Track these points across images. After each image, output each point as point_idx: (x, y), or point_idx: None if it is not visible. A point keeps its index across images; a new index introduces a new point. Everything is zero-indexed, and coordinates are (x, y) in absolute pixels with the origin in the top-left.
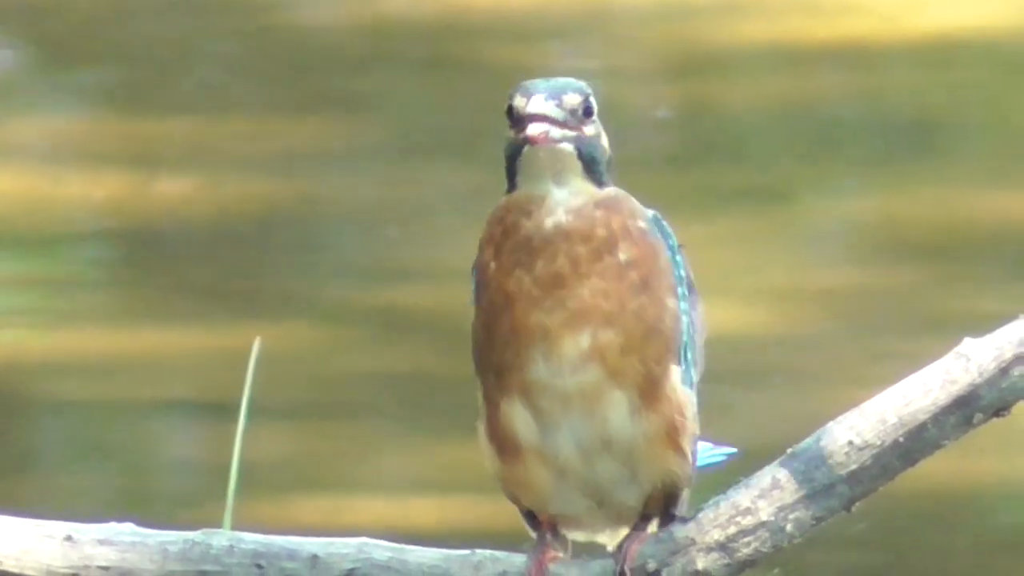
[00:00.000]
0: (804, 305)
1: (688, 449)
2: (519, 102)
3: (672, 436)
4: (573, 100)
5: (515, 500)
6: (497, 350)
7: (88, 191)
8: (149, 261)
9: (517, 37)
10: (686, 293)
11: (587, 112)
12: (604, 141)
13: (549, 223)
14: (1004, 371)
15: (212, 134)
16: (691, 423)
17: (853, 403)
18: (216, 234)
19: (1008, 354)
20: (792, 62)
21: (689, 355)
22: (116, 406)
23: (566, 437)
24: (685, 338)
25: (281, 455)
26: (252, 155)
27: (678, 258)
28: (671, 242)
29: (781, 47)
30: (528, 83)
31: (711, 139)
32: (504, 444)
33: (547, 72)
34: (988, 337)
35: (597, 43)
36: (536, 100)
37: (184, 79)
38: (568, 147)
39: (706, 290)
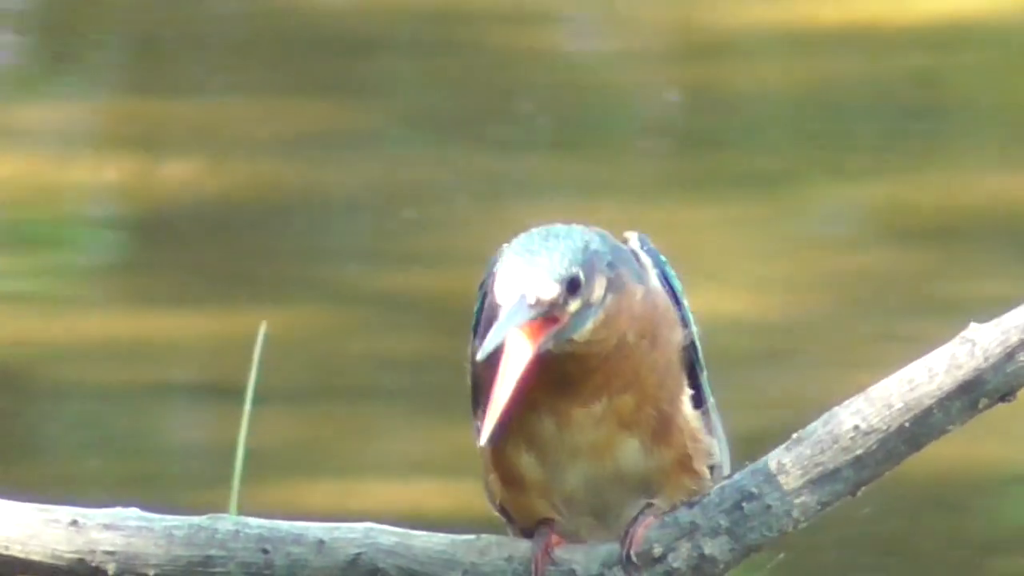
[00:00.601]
0: (810, 289)
1: (703, 469)
2: (497, 292)
3: (686, 463)
4: (552, 294)
5: (512, 520)
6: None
7: (94, 175)
8: (155, 245)
9: (524, 19)
10: (688, 305)
11: (572, 289)
12: (596, 294)
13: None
14: (1010, 356)
15: (218, 117)
16: (705, 444)
17: (859, 388)
18: (222, 217)
19: (1014, 339)
20: (800, 45)
21: (701, 359)
22: (122, 390)
23: (574, 476)
24: (692, 356)
25: (287, 439)
26: (258, 138)
27: (669, 271)
28: (660, 259)
29: (789, 30)
30: (507, 276)
31: (718, 122)
32: (508, 478)
33: (556, 57)
34: (994, 322)
35: (603, 25)
36: (505, 318)
37: (191, 62)
38: (548, 345)
39: (711, 274)
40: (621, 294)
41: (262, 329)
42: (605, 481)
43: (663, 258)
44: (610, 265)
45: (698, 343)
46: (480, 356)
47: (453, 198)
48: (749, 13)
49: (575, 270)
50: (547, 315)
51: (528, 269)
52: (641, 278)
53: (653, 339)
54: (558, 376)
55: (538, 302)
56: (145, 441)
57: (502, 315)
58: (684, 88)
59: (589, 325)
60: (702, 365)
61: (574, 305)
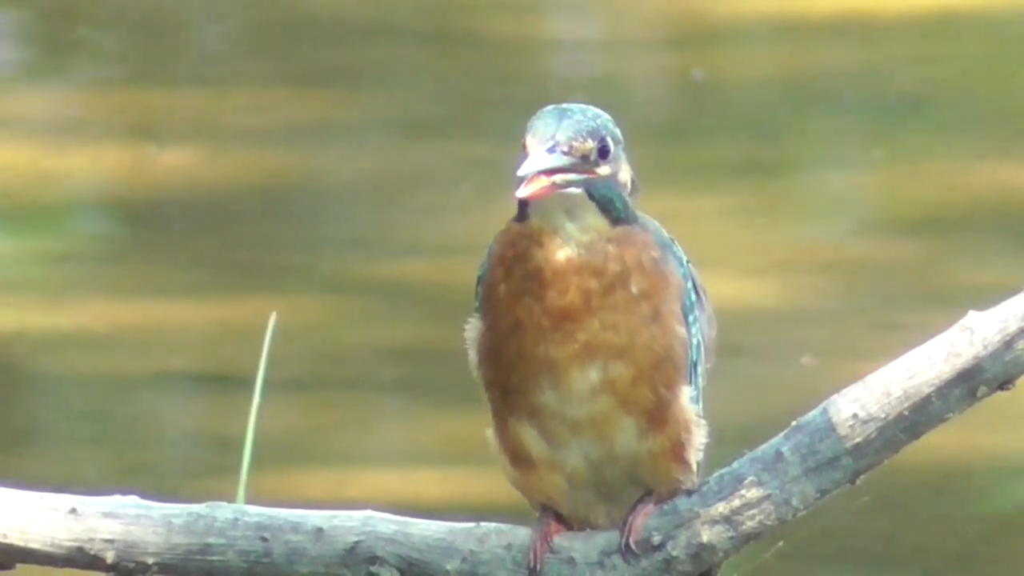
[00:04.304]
0: (808, 278)
1: (693, 460)
2: (530, 142)
3: (677, 452)
4: (585, 146)
5: (528, 497)
6: (503, 371)
7: (91, 163)
8: (152, 233)
9: (521, 9)
10: (698, 316)
11: (603, 153)
12: (623, 175)
13: (561, 256)
14: (1008, 344)
15: (216, 106)
16: (696, 436)
17: (858, 376)
18: (219, 206)
19: (1012, 327)
20: (795, 35)
21: (699, 369)
22: (119, 379)
23: (575, 453)
24: (695, 357)
25: (286, 428)
26: (256, 127)
27: (689, 285)
28: (683, 270)
29: (784, 19)
30: (543, 121)
31: (714, 111)
32: (516, 455)
33: (554, 46)
34: (993, 310)
35: (600, 14)
36: (538, 153)
37: (188, 51)
38: (576, 191)
39: (710, 263)
40: (643, 232)
41: (272, 319)
42: (603, 460)
43: (685, 267)
44: (634, 190)
45: (696, 356)
46: (519, 193)
47: (451, 187)
48: (745, 2)
49: (606, 135)
50: (578, 168)
51: (563, 120)
52: (665, 246)
53: (655, 311)
54: (560, 300)
55: (572, 149)
56: (143, 429)
57: (534, 154)
58: (678, 77)
59: (616, 202)
60: (699, 371)
61: (605, 169)
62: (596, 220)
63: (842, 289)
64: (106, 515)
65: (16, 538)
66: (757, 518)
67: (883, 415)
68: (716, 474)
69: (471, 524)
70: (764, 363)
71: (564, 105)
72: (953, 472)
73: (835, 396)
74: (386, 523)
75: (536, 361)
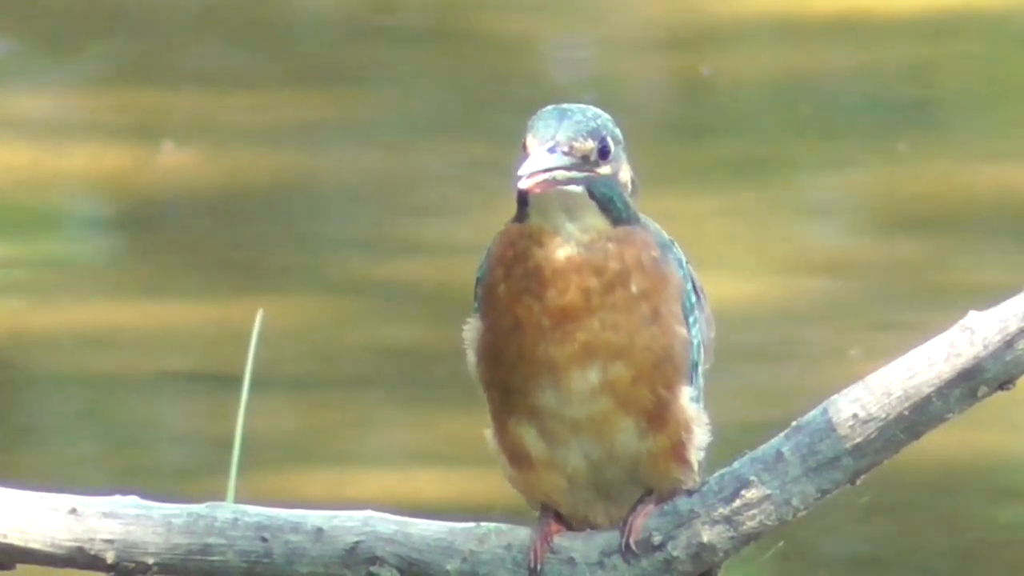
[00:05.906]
0: (808, 278)
1: (693, 459)
2: (530, 142)
3: (678, 451)
4: (586, 146)
5: (527, 496)
6: (503, 372)
7: (91, 164)
8: (152, 234)
9: (519, 8)
10: (698, 317)
11: (603, 153)
12: (624, 175)
13: (561, 254)
14: (1009, 344)
15: (215, 107)
16: (698, 436)
17: (858, 376)
18: (219, 207)
19: (1013, 327)
20: (795, 35)
21: (699, 369)
22: (119, 379)
23: (575, 452)
24: (696, 357)
25: (285, 428)
26: (255, 128)
27: (689, 286)
28: (683, 271)
29: (784, 19)
30: (543, 121)
31: (713, 112)
32: (515, 455)
33: (554, 46)
34: (993, 310)
35: (597, 14)
36: (539, 153)
37: (187, 52)
38: (577, 188)
39: (710, 263)
40: (643, 231)
41: (259, 317)
42: (603, 460)
43: (685, 269)
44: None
45: (696, 356)
46: (520, 184)
47: (450, 187)
48: (744, 2)
49: (606, 135)
50: (578, 168)
51: (563, 120)
52: (665, 247)
53: (655, 311)
54: (560, 299)
55: (572, 149)
56: (143, 430)
57: (534, 154)
58: (677, 77)
59: (617, 202)
60: (700, 371)
61: (605, 169)
62: (597, 220)
63: (842, 289)
64: (106, 515)
65: (16, 538)
66: (757, 518)
67: (883, 415)
68: (716, 474)
69: (471, 524)
70: (764, 363)
71: (564, 105)
72: (953, 472)
73: (836, 396)
74: (386, 523)
75: (536, 361)
